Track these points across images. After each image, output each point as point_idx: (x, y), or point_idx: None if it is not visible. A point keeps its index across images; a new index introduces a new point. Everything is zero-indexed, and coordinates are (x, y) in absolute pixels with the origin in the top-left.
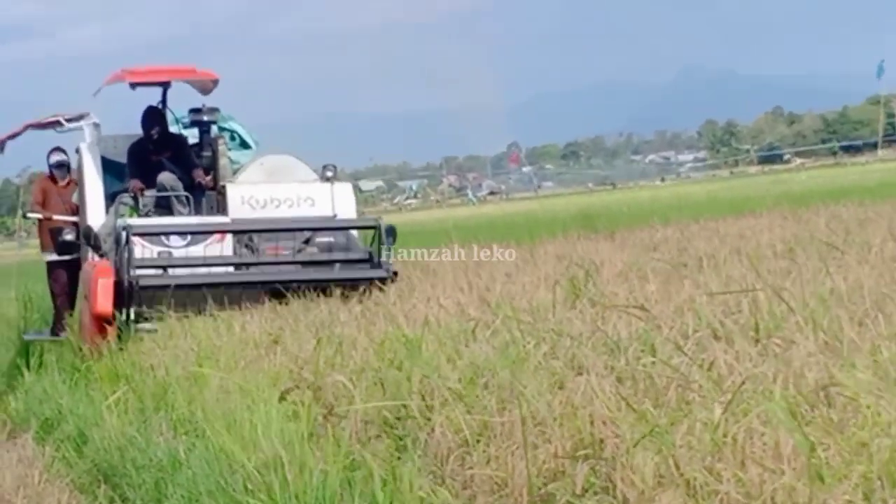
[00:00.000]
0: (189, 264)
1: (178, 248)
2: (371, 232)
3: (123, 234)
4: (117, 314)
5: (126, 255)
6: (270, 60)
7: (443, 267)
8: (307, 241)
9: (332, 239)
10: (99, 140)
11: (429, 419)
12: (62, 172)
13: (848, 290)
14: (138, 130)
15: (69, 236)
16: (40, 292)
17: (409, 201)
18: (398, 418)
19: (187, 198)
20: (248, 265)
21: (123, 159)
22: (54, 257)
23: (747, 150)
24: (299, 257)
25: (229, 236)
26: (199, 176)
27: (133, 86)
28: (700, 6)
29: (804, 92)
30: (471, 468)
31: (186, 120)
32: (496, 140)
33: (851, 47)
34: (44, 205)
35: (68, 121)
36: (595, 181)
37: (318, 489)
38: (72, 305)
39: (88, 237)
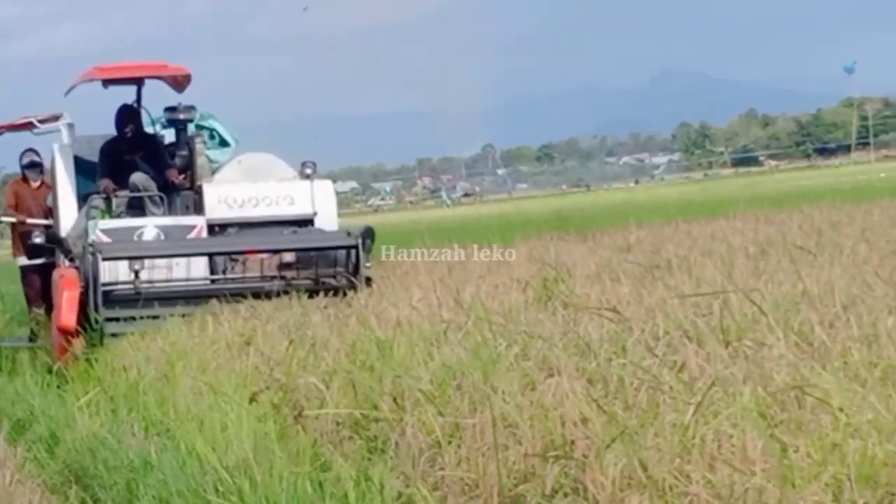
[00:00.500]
0: (162, 294)
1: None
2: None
3: (90, 251)
4: (86, 323)
5: (92, 274)
6: (243, 62)
7: (415, 268)
8: None
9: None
10: (73, 141)
11: (400, 420)
12: (35, 173)
13: (819, 292)
14: (113, 130)
15: (38, 239)
16: (13, 293)
17: (383, 203)
18: (370, 419)
19: (161, 198)
20: (216, 285)
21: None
22: (27, 262)
23: (721, 153)
24: (273, 271)
25: (204, 235)
26: (173, 175)
27: (105, 84)
28: (674, 9)
29: (778, 94)
30: (442, 469)
31: (164, 121)
32: (471, 142)
33: (826, 50)
34: (17, 208)
35: (41, 122)
36: (569, 183)
37: (289, 490)
38: (48, 310)
39: (57, 241)
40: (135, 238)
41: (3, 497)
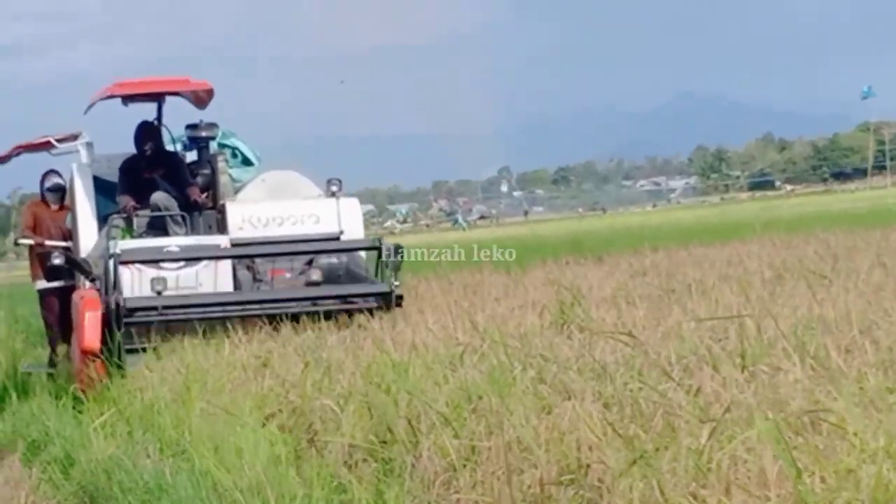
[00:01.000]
0: (184, 304)
1: (172, 270)
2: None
3: (111, 262)
4: (104, 347)
5: (114, 286)
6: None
7: (431, 290)
8: (309, 263)
9: (335, 260)
10: (93, 160)
11: (416, 443)
12: (56, 196)
13: (835, 316)
14: (133, 149)
15: (58, 260)
16: (27, 313)
17: (398, 225)
18: (385, 442)
19: (183, 217)
20: (241, 303)
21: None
22: (46, 285)
23: (737, 177)
24: (301, 291)
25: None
26: (195, 194)
27: (126, 102)
28: (692, 31)
29: (795, 118)
30: (457, 493)
31: (185, 140)
32: (487, 164)
33: (843, 73)
34: (35, 230)
35: (60, 141)
36: (585, 206)
37: None
38: (67, 335)
39: (76, 262)
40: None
41: None
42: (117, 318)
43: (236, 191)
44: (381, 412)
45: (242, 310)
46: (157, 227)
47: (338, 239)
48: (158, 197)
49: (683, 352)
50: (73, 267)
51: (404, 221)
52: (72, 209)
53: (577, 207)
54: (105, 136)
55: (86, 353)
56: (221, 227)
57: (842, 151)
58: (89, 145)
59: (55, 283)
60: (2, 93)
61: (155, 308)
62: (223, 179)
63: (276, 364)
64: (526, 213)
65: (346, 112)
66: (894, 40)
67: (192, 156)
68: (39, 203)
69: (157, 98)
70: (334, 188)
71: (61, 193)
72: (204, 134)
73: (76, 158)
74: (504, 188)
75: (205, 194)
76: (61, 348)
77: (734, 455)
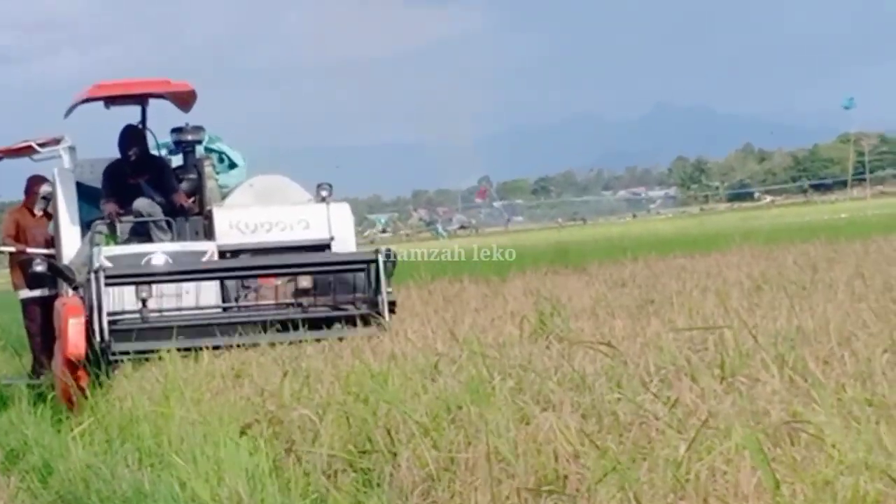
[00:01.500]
0: (169, 324)
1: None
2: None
3: (95, 277)
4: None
5: (97, 302)
6: (239, 94)
7: (410, 300)
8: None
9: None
10: (75, 165)
11: (394, 453)
12: (44, 204)
13: (814, 327)
14: (118, 153)
15: (39, 268)
16: (8, 320)
17: (378, 235)
18: (364, 452)
19: (168, 223)
20: (232, 324)
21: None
22: (29, 294)
23: (717, 187)
24: (289, 298)
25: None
26: (181, 199)
27: (108, 104)
28: (673, 42)
29: (775, 129)
30: (435, 502)
31: (171, 145)
32: (467, 174)
33: (822, 86)
34: (17, 238)
35: (41, 146)
36: (565, 216)
37: None
38: (50, 346)
39: (58, 270)
40: (142, 265)
41: None
42: (103, 354)
43: (224, 196)
44: (359, 422)
45: (232, 326)
46: (141, 233)
47: (328, 245)
48: (141, 203)
49: (662, 362)
50: (56, 274)
51: (384, 231)
52: (54, 215)
53: (557, 217)
54: (89, 140)
55: (71, 360)
56: (208, 233)
57: (822, 162)
58: (72, 150)
59: (38, 293)
60: None
61: (142, 342)
62: (210, 184)
63: (254, 373)
64: (508, 221)
65: (326, 122)
66: (874, 52)
67: (178, 160)
68: (22, 209)
69: (140, 100)
70: (324, 193)
71: (48, 201)
72: (190, 138)
73: (58, 163)
74: (479, 200)
75: (191, 199)
76: (46, 359)
77: (712, 466)
